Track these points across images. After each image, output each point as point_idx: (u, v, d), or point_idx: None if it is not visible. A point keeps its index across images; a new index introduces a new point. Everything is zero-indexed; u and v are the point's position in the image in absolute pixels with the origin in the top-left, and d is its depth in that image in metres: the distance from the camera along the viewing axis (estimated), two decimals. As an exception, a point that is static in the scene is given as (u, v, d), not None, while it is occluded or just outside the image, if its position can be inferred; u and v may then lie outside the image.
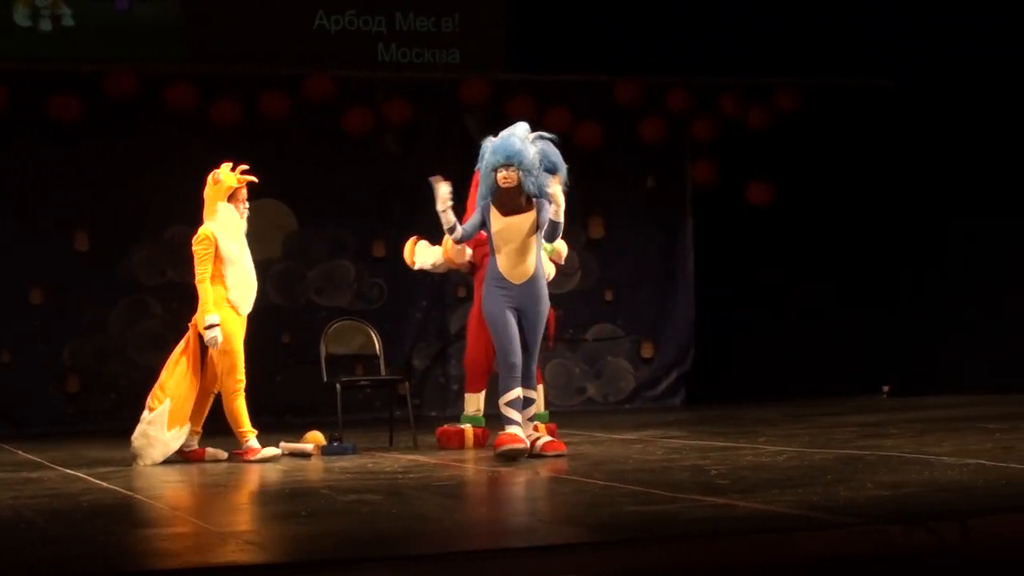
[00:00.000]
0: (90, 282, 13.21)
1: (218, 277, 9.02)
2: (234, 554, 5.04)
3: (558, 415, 11.15)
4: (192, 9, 13.69)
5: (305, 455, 9.25)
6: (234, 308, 9.01)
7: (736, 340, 14.63)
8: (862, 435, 9.10)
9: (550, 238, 8.56)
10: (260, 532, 5.63)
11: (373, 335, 10.22)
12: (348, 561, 4.78)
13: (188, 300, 13.31)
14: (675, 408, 14.19)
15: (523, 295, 8.31)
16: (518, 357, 8.25)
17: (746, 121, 14.50)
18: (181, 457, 9.06)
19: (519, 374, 8.26)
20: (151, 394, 9.02)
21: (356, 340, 10.20)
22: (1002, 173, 13.41)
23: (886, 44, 14.27)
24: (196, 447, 9.17)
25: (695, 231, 14.72)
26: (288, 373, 13.33)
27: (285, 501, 7.01)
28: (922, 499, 5.71)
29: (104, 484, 7.61)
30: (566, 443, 8.89)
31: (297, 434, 9.79)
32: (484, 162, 8.38)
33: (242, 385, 8.98)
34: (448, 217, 8.44)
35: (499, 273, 8.34)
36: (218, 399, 9.14)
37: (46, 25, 13.34)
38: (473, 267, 9.77)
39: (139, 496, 6.93)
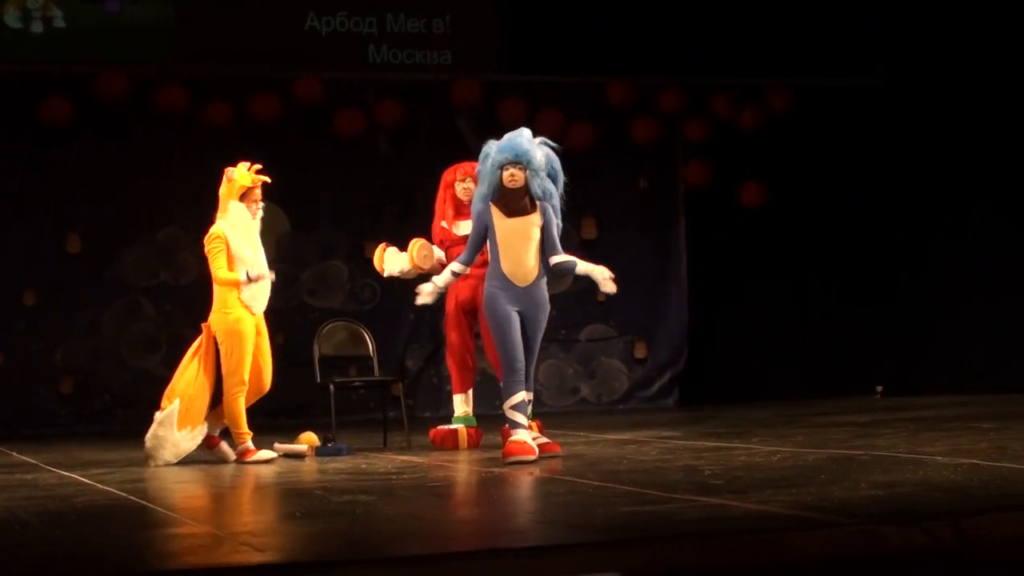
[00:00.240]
0: (83, 284, 13.21)
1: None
2: (229, 555, 5.04)
3: (552, 415, 11.18)
4: (183, 11, 13.69)
5: (299, 456, 9.25)
6: (247, 308, 8.95)
7: (729, 340, 14.65)
8: (856, 435, 9.11)
9: (557, 268, 8.47)
10: (255, 533, 5.63)
11: (366, 336, 10.22)
12: (342, 562, 4.78)
13: (181, 301, 13.42)
14: (669, 408, 14.21)
15: (527, 297, 8.23)
16: (522, 362, 8.21)
17: (738, 122, 14.53)
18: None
19: (523, 377, 8.22)
20: (164, 394, 9.02)
21: (349, 341, 10.20)
22: (994, 172, 13.42)
23: (877, 44, 14.30)
24: (215, 435, 9.13)
25: (688, 232, 14.75)
26: (281, 374, 13.29)
27: (279, 502, 7.01)
28: (916, 499, 5.71)
29: (98, 485, 7.60)
30: (559, 443, 8.89)
31: (291, 435, 9.78)
32: (489, 161, 8.27)
33: (244, 388, 8.95)
34: (444, 277, 8.54)
35: (502, 274, 8.24)
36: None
37: (37, 27, 13.33)
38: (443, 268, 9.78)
39: (133, 498, 6.92)
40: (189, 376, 9.01)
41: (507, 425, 8.43)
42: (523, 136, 8.29)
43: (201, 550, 5.22)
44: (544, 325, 8.37)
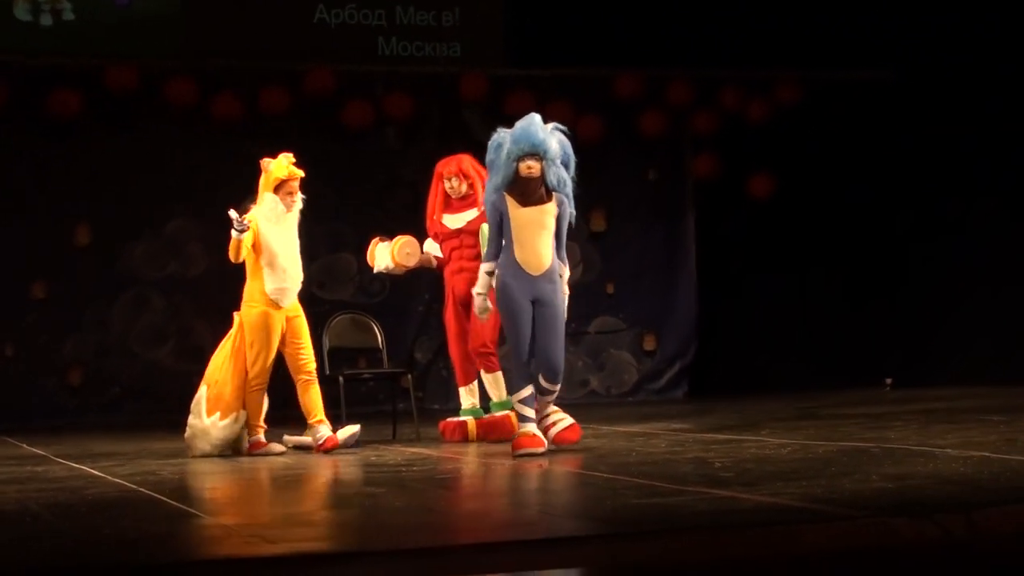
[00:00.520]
0: (92, 276, 13.21)
1: (257, 269, 8.94)
2: (240, 547, 5.05)
3: (561, 408, 11.12)
4: (192, 4, 13.68)
5: (308, 448, 9.24)
6: (272, 303, 8.91)
7: (739, 332, 14.64)
8: (866, 427, 9.10)
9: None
10: (265, 525, 5.63)
11: (375, 328, 10.23)
12: (352, 554, 4.79)
13: (190, 293, 13.44)
14: (678, 401, 14.20)
15: (541, 286, 8.17)
16: (526, 355, 8.18)
17: (747, 114, 14.51)
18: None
19: (529, 372, 8.20)
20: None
21: (359, 333, 10.20)
22: (1001, 165, 13.41)
23: (886, 37, 14.26)
24: (328, 435, 8.99)
25: (697, 224, 14.73)
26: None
27: (290, 494, 7.02)
28: (927, 491, 5.70)
29: (108, 477, 7.61)
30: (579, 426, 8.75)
31: (300, 428, 9.79)
32: (503, 152, 8.20)
33: (263, 380, 8.90)
34: (483, 282, 8.35)
35: (516, 263, 8.18)
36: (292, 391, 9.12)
37: (47, 20, 13.33)
38: (440, 263, 9.80)
39: (143, 489, 6.93)
40: (218, 362, 9.00)
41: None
42: (536, 125, 8.23)
43: (212, 542, 5.23)
44: (563, 308, 8.27)
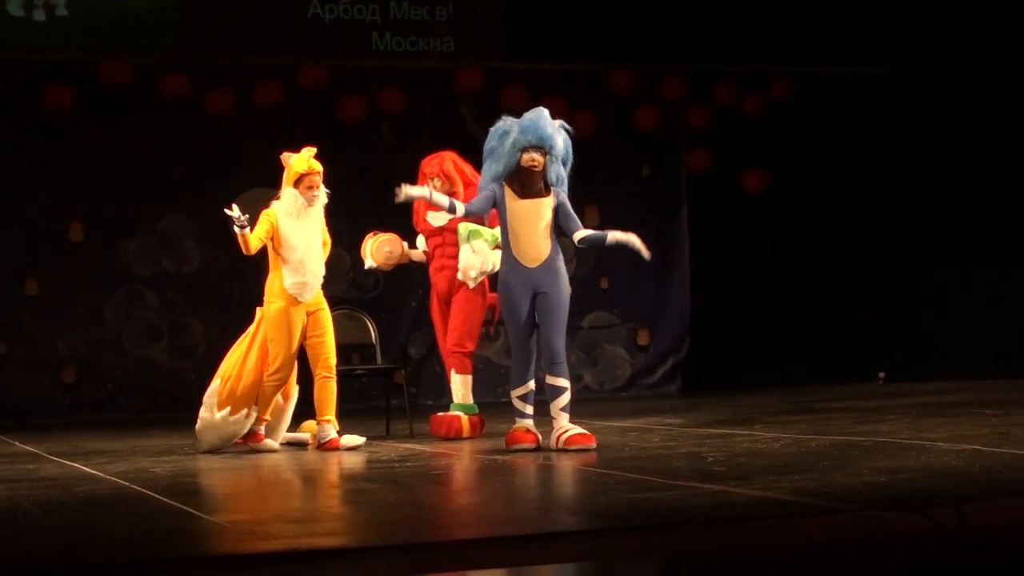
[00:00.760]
0: (85, 272, 13.20)
1: (277, 264, 8.91)
2: (231, 544, 5.05)
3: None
4: (187, -2, 13.68)
5: (302, 445, 9.24)
6: (291, 298, 8.86)
7: (732, 327, 14.64)
8: (858, 421, 9.11)
9: (581, 240, 8.39)
10: (257, 521, 5.63)
11: (369, 324, 10.22)
12: (345, 549, 4.79)
13: (183, 290, 13.43)
14: (671, 395, 14.21)
15: (539, 278, 8.17)
16: (527, 352, 8.17)
17: (741, 109, 14.51)
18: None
19: (532, 368, 8.20)
20: None
21: (352, 329, 10.19)
22: (996, 161, 13.41)
23: (880, 33, 14.26)
24: (332, 436, 8.89)
25: (691, 219, 14.74)
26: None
27: (282, 491, 7.02)
28: (918, 485, 5.72)
29: (100, 474, 7.61)
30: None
31: (294, 424, 9.78)
32: (508, 140, 8.18)
33: (279, 376, 8.80)
34: (438, 199, 8.30)
35: (513, 258, 8.20)
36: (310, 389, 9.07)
37: (40, 15, 13.30)
38: (428, 257, 9.81)
39: (135, 487, 6.92)
40: (234, 358, 8.97)
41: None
42: (545, 120, 8.22)
43: (205, 539, 5.23)
44: (566, 300, 8.24)
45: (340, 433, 8.90)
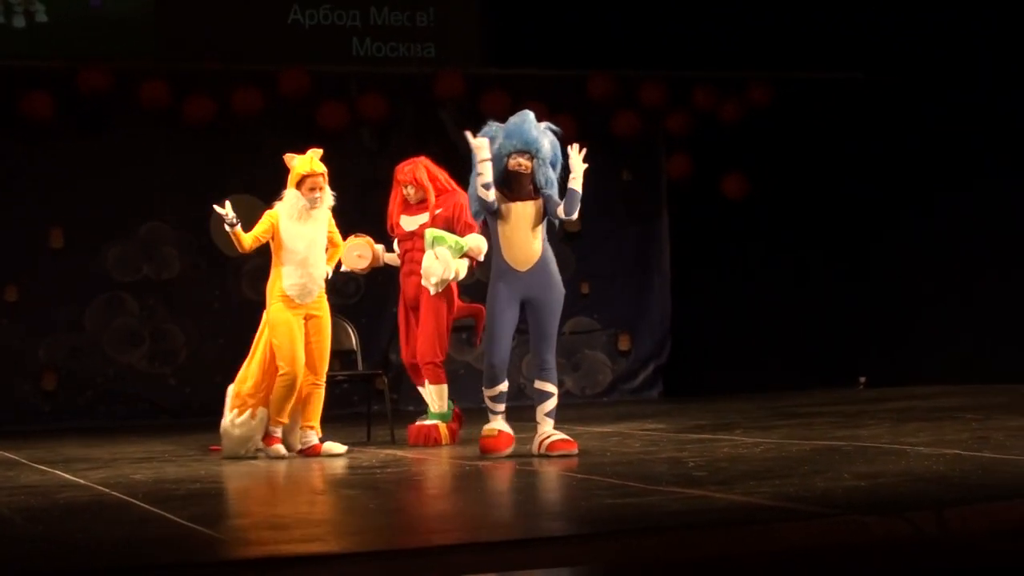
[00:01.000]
0: (65, 279, 13.17)
1: (277, 265, 8.88)
2: (212, 550, 5.04)
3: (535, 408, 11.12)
4: (165, 4, 13.66)
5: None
6: (289, 299, 8.80)
7: (713, 332, 14.67)
8: (839, 426, 9.13)
9: (569, 212, 8.31)
10: (235, 528, 5.63)
11: (350, 330, 10.21)
12: (325, 556, 4.78)
13: (163, 296, 13.40)
14: (652, 401, 14.23)
15: (531, 282, 8.16)
16: (498, 358, 8.15)
17: (720, 114, 14.55)
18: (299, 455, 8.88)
19: (503, 371, 8.17)
20: None
21: (333, 335, 10.14)
22: (974, 163, 13.45)
23: (858, 38, 14.31)
24: (314, 443, 8.87)
25: (670, 224, 14.77)
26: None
27: (261, 497, 7.00)
28: (898, 489, 5.73)
29: (81, 481, 7.58)
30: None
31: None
32: (494, 146, 8.15)
33: (287, 376, 8.68)
34: (487, 171, 8.12)
35: (504, 262, 8.16)
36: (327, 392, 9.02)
37: (19, 21, 13.29)
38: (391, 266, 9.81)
39: (116, 493, 6.91)
40: (247, 363, 8.93)
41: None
42: (530, 123, 8.21)
43: (184, 546, 5.21)
44: (557, 307, 8.25)
45: (322, 440, 8.88)
